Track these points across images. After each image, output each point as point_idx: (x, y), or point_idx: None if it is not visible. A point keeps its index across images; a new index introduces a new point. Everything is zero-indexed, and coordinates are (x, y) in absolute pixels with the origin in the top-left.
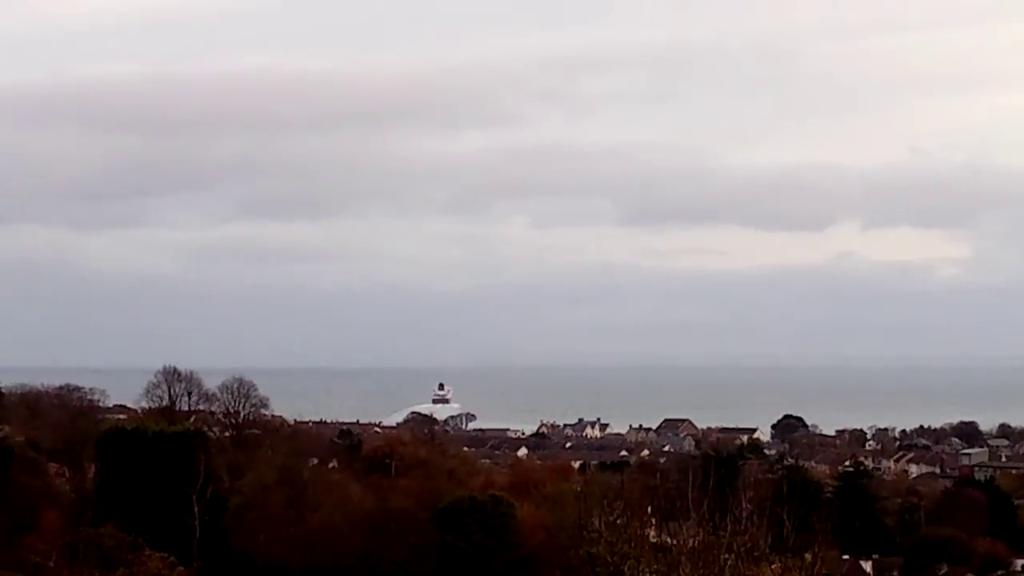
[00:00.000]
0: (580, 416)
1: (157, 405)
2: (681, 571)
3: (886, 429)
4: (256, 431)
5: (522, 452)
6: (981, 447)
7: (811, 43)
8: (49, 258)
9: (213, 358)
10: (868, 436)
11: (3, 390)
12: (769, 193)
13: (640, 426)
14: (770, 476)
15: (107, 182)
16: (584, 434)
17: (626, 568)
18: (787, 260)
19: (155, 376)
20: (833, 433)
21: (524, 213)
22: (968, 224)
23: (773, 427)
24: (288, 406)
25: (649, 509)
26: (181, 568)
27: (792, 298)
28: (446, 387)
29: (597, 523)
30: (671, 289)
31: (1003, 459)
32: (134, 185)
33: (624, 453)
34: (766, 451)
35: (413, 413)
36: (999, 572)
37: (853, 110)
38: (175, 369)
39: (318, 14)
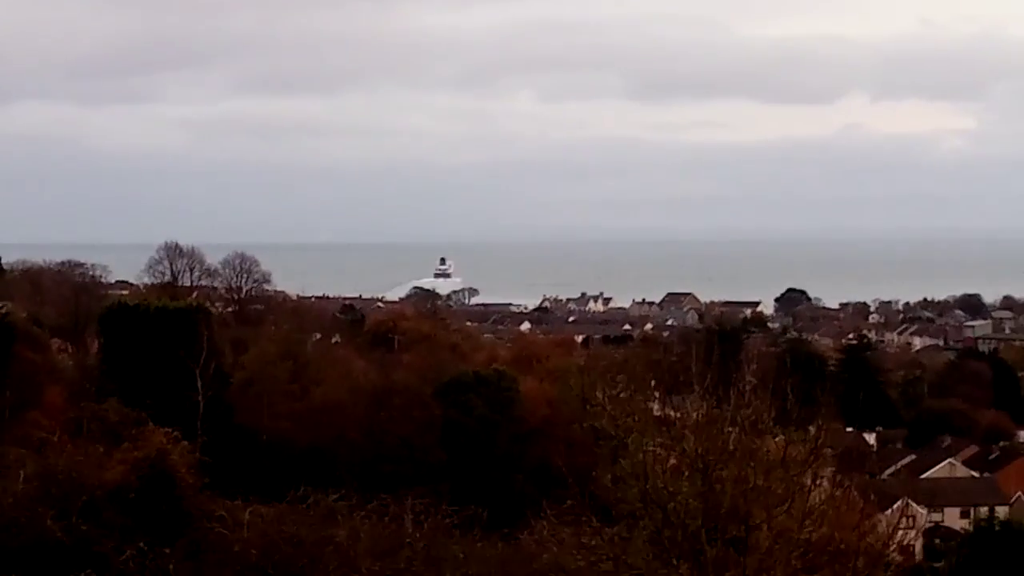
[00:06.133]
0: (583, 290)
1: (159, 281)
2: (685, 444)
3: (890, 302)
4: (259, 306)
5: (525, 326)
6: (985, 319)
7: None
8: (54, 135)
9: (217, 234)
10: (871, 309)
11: (5, 266)
12: (778, 65)
13: (643, 300)
14: (773, 349)
15: (114, 58)
16: (587, 308)
17: (629, 441)
18: (795, 133)
19: (157, 252)
20: (836, 306)
21: (532, 87)
22: (977, 96)
23: (777, 300)
24: (291, 281)
25: (652, 383)
26: (185, 443)
27: (799, 171)
28: (448, 262)
29: (600, 397)
30: (678, 163)
31: (1007, 331)
32: (141, 61)
33: (627, 327)
34: (770, 324)
35: (415, 288)
36: (1002, 443)
37: None
38: (177, 245)
39: None
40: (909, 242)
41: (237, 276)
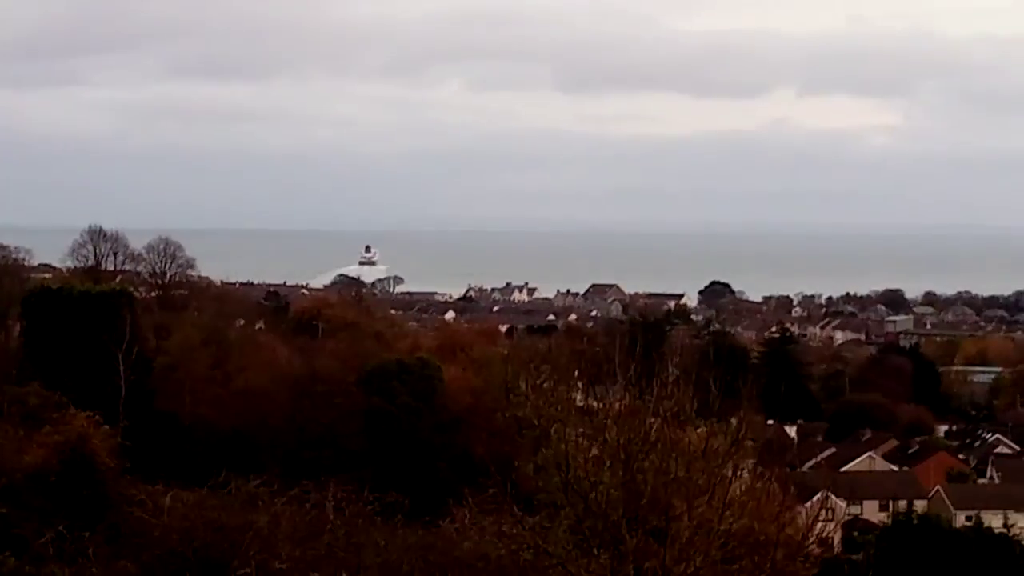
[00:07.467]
0: (508, 280)
1: (83, 265)
2: (607, 434)
3: (812, 296)
4: (183, 292)
5: (449, 315)
6: (906, 314)
7: None
8: None
9: (141, 218)
10: (795, 303)
11: None
12: (707, 59)
13: (568, 291)
14: (697, 341)
15: (42, 40)
16: (512, 298)
17: (552, 431)
18: (722, 127)
19: (81, 236)
20: (760, 299)
21: (461, 77)
22: (903, 92)
23: (700, 293)
24: (216, 267)
25: (576, 373)
26: (106, 427)
27: (726, 165)
28: (373, 249)
29: (524, 386)
30: (606, 156)
31: (928, 326)
32: (69, 43)
33: (551, 317)
34: (693, 317)
35: (340, 275)
36: (921, 437)
37: None
38: (101, 229)
39: None
40: (833, 237)
41: (161, 261)
